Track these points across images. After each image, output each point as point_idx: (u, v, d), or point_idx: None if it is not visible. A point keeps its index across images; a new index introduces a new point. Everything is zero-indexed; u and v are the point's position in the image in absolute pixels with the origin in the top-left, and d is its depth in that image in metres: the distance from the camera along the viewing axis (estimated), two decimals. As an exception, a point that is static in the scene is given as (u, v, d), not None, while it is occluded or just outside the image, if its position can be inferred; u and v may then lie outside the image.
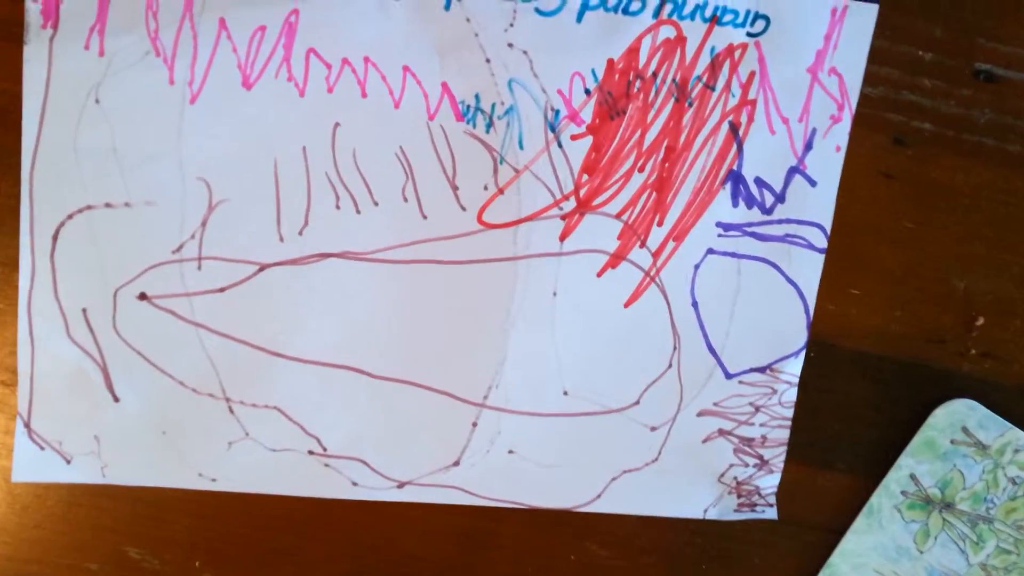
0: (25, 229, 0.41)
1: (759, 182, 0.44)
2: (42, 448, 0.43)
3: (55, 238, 0.41)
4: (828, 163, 0.44)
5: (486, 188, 0.43)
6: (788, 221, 0.44)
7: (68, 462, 0.43)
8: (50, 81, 0.40)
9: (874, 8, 0.42)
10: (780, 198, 0.44)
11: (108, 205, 0.41)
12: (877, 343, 0.47)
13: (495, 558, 0.47)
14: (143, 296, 0.42)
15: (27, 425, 0.43)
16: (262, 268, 0.42)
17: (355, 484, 0.45)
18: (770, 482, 0.47)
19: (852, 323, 0.46)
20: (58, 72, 0.40)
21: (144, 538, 0.45)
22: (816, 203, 0.44)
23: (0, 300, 0.42)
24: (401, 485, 0.45)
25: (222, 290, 0.42)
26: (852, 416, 0.47)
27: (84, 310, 0.42)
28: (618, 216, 0.43)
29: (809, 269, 0.45)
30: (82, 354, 0.42)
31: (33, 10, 0.39)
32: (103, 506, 0.45)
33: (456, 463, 0.45)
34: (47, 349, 0.42)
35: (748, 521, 0.48)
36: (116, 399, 0.43)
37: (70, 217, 0.41)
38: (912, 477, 0.47)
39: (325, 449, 0.44)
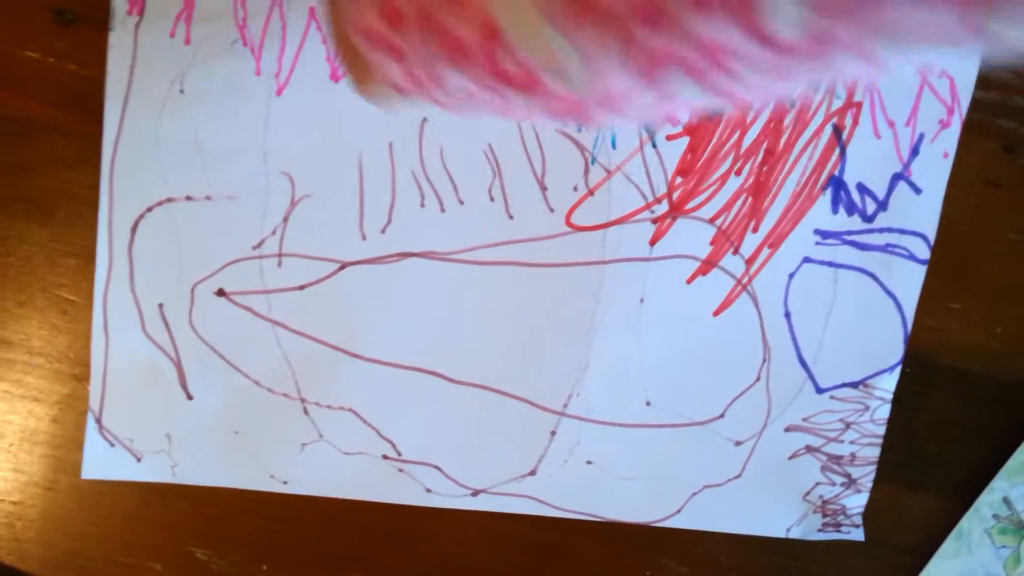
0: (104, 221, 0.40)
1: (861, 188, 0.42)
2: (112, 445, 0.42)
3: (134, 230, 0.40)
4: (935, 170, 0.42)
5: (576, 189, 0.41)
6: (890, 230, 0.42)
7: (138, 460, 0.42)
8: (134, 69, 0.39)
9: (990, 8, 0.40)
10: (883, 205, 0.42)
11: (189, 198, 0.40)
12: (977, 360, 0.45)
13: (568, 572, 0.46)
14: (221, 292, 0.41)
15: (98, 421, 0.42)
16: (343, 266, 0.41)
17: (429, 491, 0.44)
18: (857, 502, 0.45)
19: (951, 339, 0.44)
20: (143, 60, 0.38)
21: (211, 539, 0.44)
22: (920, 212, 0.42)
23: (75, 293, 0.41)
24: (475, 493, 0.44)
25: (301, 288, 0.41)
26: (947, 436, 0.45)
27: (160, 305, 0.41)
28: (712, 221, 0.42)
29: (909, 281, 0.43)
30: (157, 350, 0.41)
31: (119, -5, 0.38)
32: (171, 505, 0.44)
33: (532, 472, 0.44)
34: (121, 344, 0.41)
35: (832, 542, 0.46)
36: (190, 397, 0.42)
37: (150, 209, 0.40)
38: (1005, 500, 0.45)
39: (399, 454, 0.43)
